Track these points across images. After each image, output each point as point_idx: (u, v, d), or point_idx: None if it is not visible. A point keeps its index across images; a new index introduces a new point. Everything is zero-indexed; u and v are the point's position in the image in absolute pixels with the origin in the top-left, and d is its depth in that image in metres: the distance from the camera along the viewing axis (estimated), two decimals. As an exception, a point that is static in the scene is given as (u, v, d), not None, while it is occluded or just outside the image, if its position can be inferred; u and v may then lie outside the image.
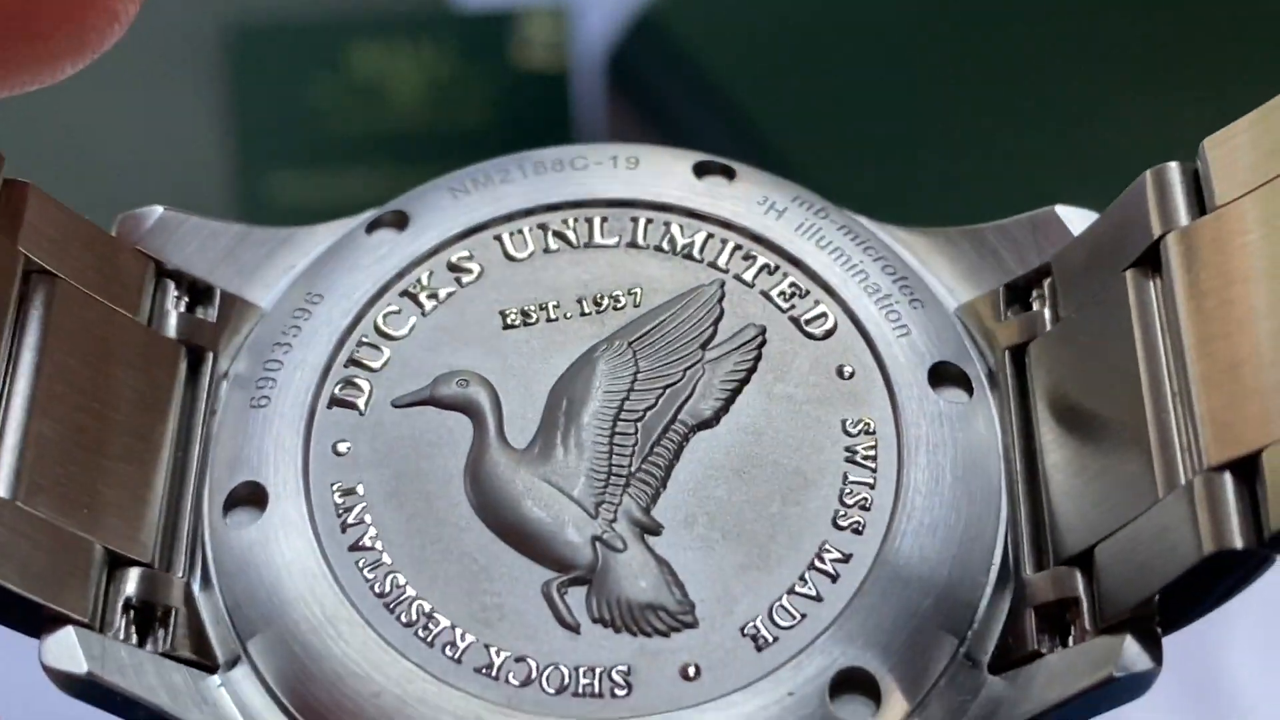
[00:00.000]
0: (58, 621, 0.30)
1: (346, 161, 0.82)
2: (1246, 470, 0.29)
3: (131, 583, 0.31)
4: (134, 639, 0.31)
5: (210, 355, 0.34)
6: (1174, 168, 0.32)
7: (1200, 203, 0.32)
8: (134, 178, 0.79)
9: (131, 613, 0.31)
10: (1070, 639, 0.31)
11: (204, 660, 0.31)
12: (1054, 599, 0.31)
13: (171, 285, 0.35)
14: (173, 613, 0.31)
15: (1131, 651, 0.30)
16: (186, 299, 0.35)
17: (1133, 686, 0.30)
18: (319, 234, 0.36)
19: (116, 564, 0.31)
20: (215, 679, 0.31)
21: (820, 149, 0.73)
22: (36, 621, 0.30)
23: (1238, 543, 0.28)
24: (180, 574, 0.32)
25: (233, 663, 0.31)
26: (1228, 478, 0.29)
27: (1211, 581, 0.29)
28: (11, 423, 0.31)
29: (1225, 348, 0.30)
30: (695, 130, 0.75)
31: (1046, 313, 0.34)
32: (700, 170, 0.36)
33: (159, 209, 0.35)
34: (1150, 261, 0.32)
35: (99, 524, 0.31)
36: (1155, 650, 0.30)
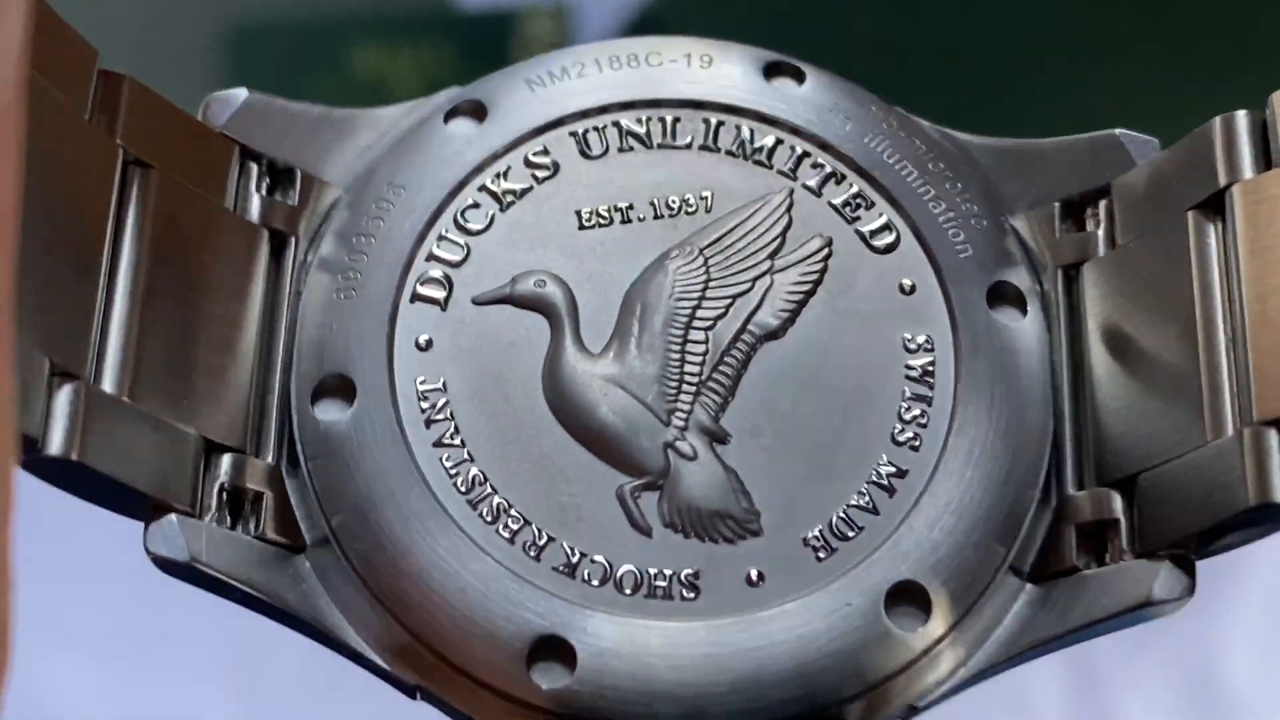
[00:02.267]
0: (160, 509, 0.31)
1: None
2: None
3: (225, 468, 0.32)
4: (228, 522, 0.32)
5: (293, 240, 0.35)
6: (1243, 117, 0.33)
7: (1267, 155, 0.33)
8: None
9: (225, 496, 0.32)
10: (1108, 558, 0.32)
11: (292, 541, 0.33)
12: (1094, 519, 0.33)
13: (254, 168, 0.35)
14: (263, 497, 0.33)
15: (1170, 579, 0.31)
16: (268, 180, 0.35)
17: (1164, 610, 0.32)
18: (393, 114, 0.37)
19: (211, 450, 0.32)
20: (304, 559, 0.32)
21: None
22: (142, 508, 0.32)
23: (1279, 497, 0.30)
24: (270, 459, 0.33)
25: (319, 543, 0.32)
26: (1274, 433, 0.30)
27: (1248, 526, 0.31)
28: (115, 318, 0.31)
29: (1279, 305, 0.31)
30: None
31: (1101, 235, 0.35)
32: (770, 71, 0.36)
33: (244, 92, 0.36)
34: (1213, 206, 0.33)
35: (196, 413, 0.32)
36: (1190, 580, 0.32)
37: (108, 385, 0.31)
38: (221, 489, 0.32)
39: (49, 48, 0.31)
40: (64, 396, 0.30)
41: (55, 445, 0.30)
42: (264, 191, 0.35)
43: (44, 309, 0.30)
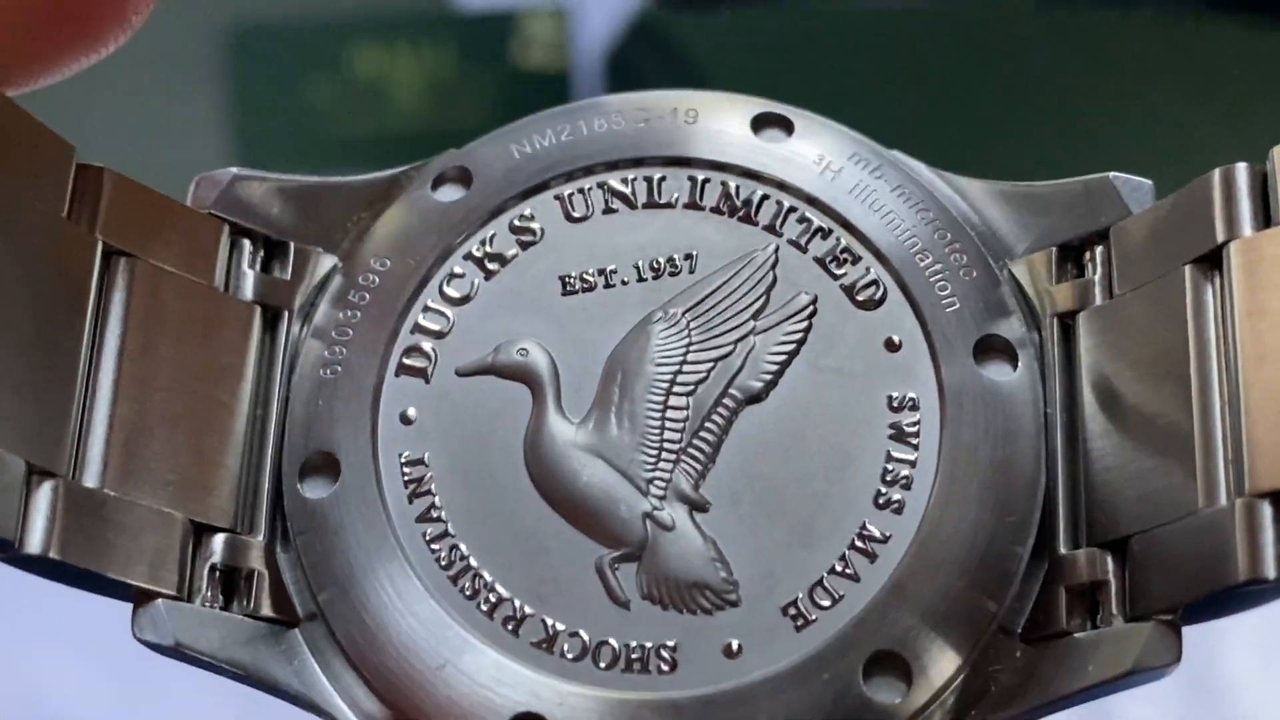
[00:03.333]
0: (148, 595, 0.32)
1: (346, 161, 0.82)
2: None
3: (217, 549, 0.33)
4: (220, 601, 0.32)
5: (286, 314, 0.35)
6: (1242, 171, 0.32)
7: (1267, 212, 0.32)
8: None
9: (217, 575, 0.32)
10: (1099, 620, 0.32)
11: (286, 616, 0.33)
12: (1087, 580, 0.32)
13: (247, 244, 0.35)
14: (255, 575, 0.33)
15: (1158, 647, 0.31)
16: (261, 255, 0.35)
17: (1153, 677, 0.31)
18: (382, 183, 0.36)
19: (201, 532, 0.32)
20: (297, 633, 0.33)
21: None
22: (128, 594, 0.32)
23: (1272, 573, 0.29)
24: (261, 536, 0.33)
25: (312, 617, 0.33)
26: (1268, 507, 0.30)
27: (1238, 599, 0.31)
28: (99, 411, 0.32)
29: (1277, 372, 0.30)
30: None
31: (1098, 281, 0.34)
32: (758, 123, 0.36)
33: (232, 171, 0.35)
34: (1211, 260, 0.32)
35: (184, 497, 0.32)
36: (1177, 647, 0.31)
37: (90, 479, 0.31)
38: (214, 569, 0.32)
39: (22, 151, 0.31)
40: (42, 495, 0.30)
41: (33, 544, 0.30)
42: (258, 268, 0.35)
43: (19, 410, 0.30)
